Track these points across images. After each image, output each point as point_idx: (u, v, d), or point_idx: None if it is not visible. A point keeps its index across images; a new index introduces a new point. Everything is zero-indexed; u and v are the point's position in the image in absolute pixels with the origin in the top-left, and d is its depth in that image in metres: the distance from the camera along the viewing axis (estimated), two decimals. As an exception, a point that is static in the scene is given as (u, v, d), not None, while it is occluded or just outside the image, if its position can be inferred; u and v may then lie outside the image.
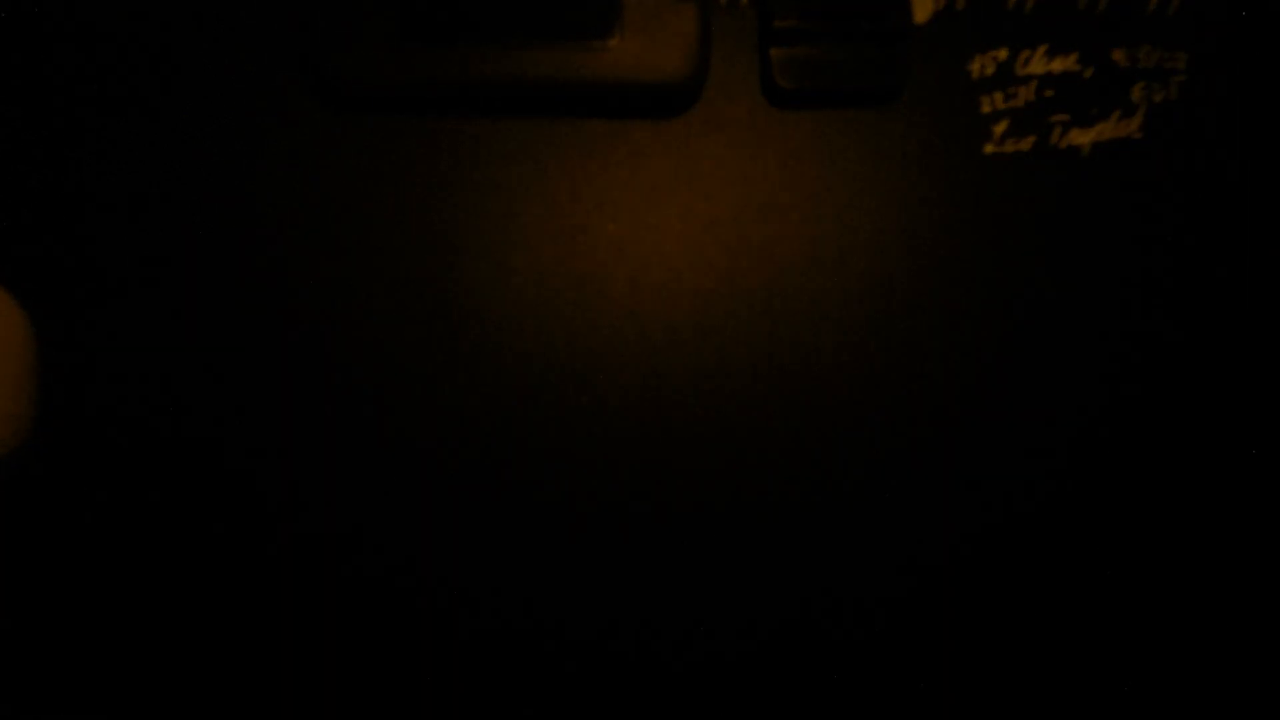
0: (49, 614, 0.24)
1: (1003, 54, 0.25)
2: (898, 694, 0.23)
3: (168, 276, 0.24)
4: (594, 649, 0.23)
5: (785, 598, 0.24)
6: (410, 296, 0.25)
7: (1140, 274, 0.24)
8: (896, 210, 0.25)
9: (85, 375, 0.23)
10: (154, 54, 0.25)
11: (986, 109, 0.25)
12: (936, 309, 0.24)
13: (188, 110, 0.25)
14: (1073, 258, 0.24)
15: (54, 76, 0.25)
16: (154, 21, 0.25)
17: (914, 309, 0.24)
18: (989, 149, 0.25)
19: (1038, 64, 0.25)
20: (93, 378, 0.23)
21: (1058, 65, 0.25)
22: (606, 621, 0.23)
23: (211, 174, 0.25)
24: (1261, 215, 0.24)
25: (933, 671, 0.23)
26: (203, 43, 0.25)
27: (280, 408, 0.24)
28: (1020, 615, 0.24)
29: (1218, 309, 0.24)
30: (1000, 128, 0.25)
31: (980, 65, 0.25)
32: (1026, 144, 0.25)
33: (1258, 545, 0.24)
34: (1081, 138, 0.24)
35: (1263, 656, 0.21)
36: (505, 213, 0.25)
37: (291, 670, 0.24)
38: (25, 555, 0.23)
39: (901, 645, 0.23)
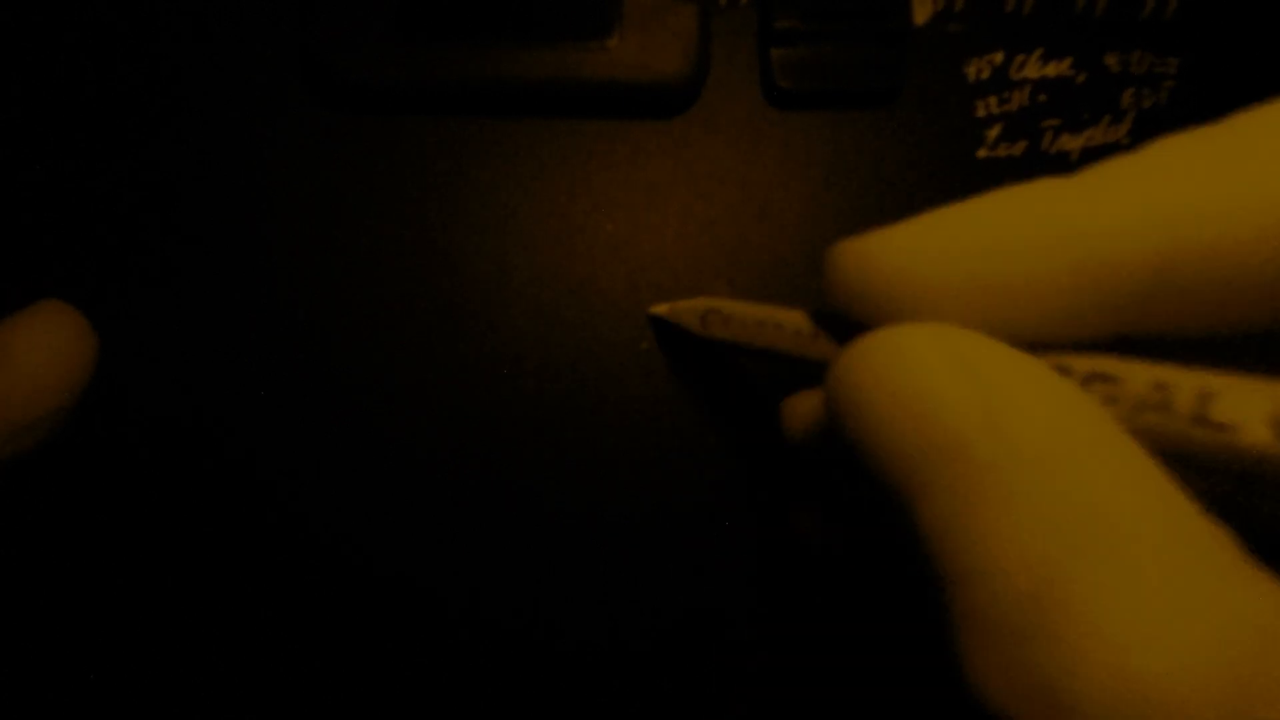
0: (53, 612, 0.24)
1: (998, 57, 0.25)
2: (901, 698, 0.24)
3: (164, 276, 0.24)
4: (595, 651, 0.24)
5: (789, 597, 0.24)
6: (406, 295, 0.25)
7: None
8: (894, 212, 0.25)
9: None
10: (151, 52, 0.24)
11: (981, 113, 0.25)
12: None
13: (185, 110, 0.25)
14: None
15: (50, 76, 0.24)
16: (151, 19, 0.24)
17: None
18: (982, 153, 0.25)
19: (1032, 68, 0.25)
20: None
21: (1052, 70, 0.25)
22: (608, 620, 0.24)
23: (208, 174, 0.24)
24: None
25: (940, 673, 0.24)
26: (201, 42, 0.25)
27: (275, 406, 0.24)
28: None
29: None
30: (993, 131, 0.25)
31: (976, 69, 0.25)
32: (1018, 149, 0.25)
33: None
34: (1071, 143, 0.25)
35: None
36: (503, 212, 0.25)
37: (299, 671, 0.24)
38: (31, 552, 0.24)
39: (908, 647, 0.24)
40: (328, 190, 0.25)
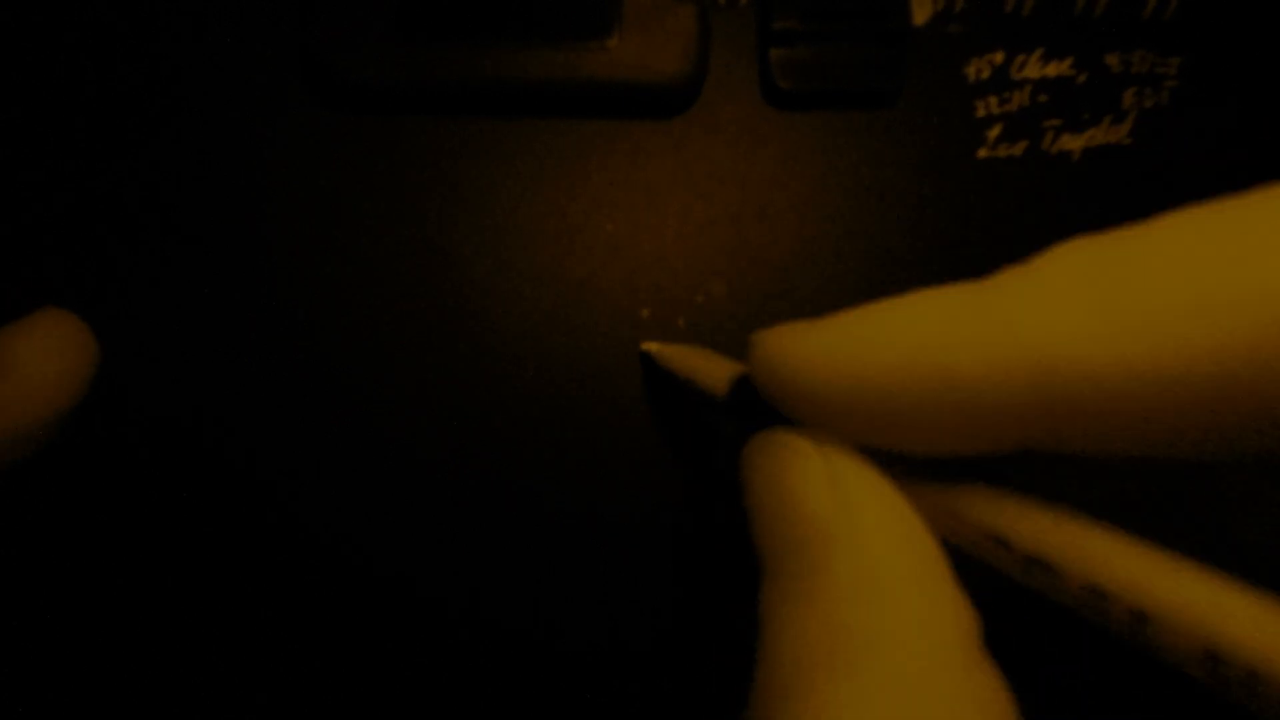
0: (55, 613, 0.24)
1: (999, 58, 0.25)
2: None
3: (164, 277, 0.24)
4: (595, 651, 0.24)
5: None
6: (406, 295, 0.25)
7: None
8: (893, 212, 0.25)
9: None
10: (151, 52, 0.24)
11: (981, 113, 0.25)
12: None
13: (185, 110, 0.25)
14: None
15: (50, 76, 0.24)
16: (151, 19, 0.24)
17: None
18: (982, 153, 0.25)
19: (1033, 68, 0.25)
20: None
21: (1052, 70, 0.25)
22: (608, 620, 0.24)
23: (208, 174, 0.25)
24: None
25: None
26: (201, 42, 0.25)
27: (275, 407, 0.24)
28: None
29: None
30: (994, 132, 0.25)
31: (976, 69, 0.25)
32: (1019, 149, 0.25)
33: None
34: (1073, 143, 0.25)
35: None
36: (502, 212, 0.25)
37: (299, 671, 0.24)
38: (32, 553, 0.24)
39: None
40: (328, 190, 0.25)
